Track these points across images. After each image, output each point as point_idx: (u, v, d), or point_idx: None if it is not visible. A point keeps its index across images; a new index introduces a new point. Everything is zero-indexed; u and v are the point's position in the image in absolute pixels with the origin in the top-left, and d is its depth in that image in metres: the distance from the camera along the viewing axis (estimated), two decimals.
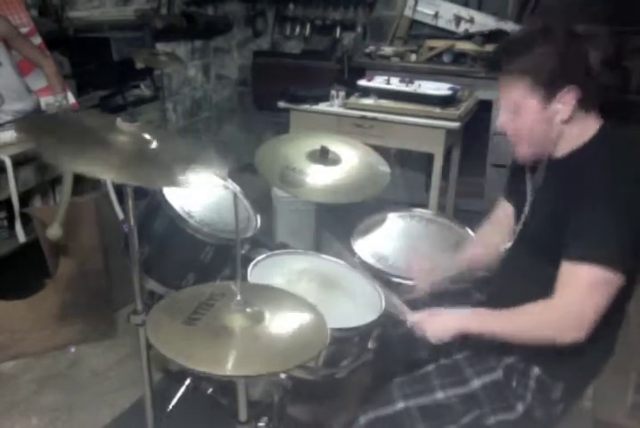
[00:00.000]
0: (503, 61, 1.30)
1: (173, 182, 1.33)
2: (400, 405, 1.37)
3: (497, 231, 1.60)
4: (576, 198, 1.25)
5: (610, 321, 1.27)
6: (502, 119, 1.35)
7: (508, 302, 1.32)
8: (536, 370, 1.36)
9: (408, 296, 1.59)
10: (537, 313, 1.29)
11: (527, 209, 1.42)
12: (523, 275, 1.41)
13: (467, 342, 1.41)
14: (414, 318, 1.44)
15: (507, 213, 1.56)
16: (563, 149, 1.33)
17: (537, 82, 1.25)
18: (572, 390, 1.39)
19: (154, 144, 1.30)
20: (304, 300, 1.20)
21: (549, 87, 1.25)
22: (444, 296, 1.62)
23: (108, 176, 1.26)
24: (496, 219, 1.64)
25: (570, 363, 1.34)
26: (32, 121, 1.33)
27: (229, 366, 1.00)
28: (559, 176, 1.34)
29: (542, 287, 1.28)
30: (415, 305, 1.52)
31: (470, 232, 1.91)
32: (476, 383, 1.38)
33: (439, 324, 1.39)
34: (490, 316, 1.35)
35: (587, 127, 1.30)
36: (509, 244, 1.48)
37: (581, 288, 1.22)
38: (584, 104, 1.27)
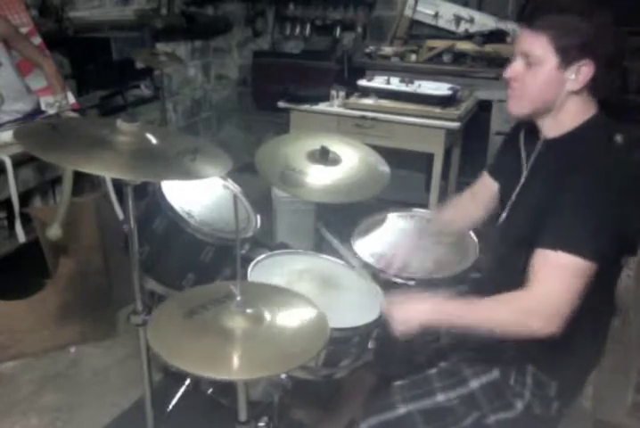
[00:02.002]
0: (540, 12, 1.26)
1: (178, 175, 1.33)
2: (402, 409, 1.37)
3: (475, 202, 1.65)
4: (560, 186, 1.24)
5: (598, 317, 1.26)
6: (514, 66, 1.31)
7: (494, 291, 1.29)
8: (531, 368, 1.36)
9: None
10: (508, 302, 1.25)
11: (515, 193, 1.40)
12: (509, 264, 1.40)
13: (463, 343, 1.41)
14: (387, 301, 1.41)
15: (489, 187, 1.59)
16: (559, 128, 1.31)
17: (564, 45, 1.23)
18: (566, 388, 1.38)
19: (155, 141, 1.30)
20: (304, 298, 1.20)
21: (571, 54, 1.23)
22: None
23: (111, 173, 1.26)
24: (476, 192, 1.69)
25: (561, 361, 1.34)
26: (30, 129, 1.33)
27: (230, 370, 1.00)
28: (549, 160, 1.33)
29: (525, 277, 1.26)
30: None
31: (470, 232, 1.91)
32: (474, 384, 1.38)
33: (407, 313, 1.34)
34: (461, 307, 1.31)
35: (586, 110, 1.30)
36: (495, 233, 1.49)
37: (553, 275, 1.20)
38: (593, 86, 1.26)
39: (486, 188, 1.62)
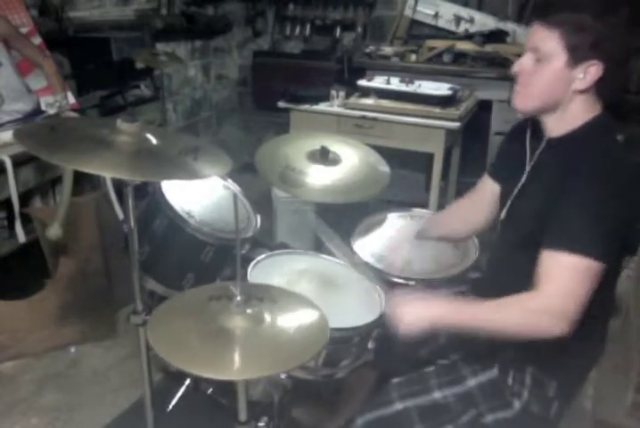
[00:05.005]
0: (555, 8, 1.24)
1: (178, 175, 1.33)
2: (398, 406, 1.37)
3: (477, 207, 1.62)
4: (564, 185, 1.23)
5: (598, 317, 1.26)
6: (523, 61, 1.30)
7: (494, 291, 1.29)
8: (530, 367, 1.36)
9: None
10: (518, 303, 1.24)
11: (516, 191, 1.41)
12: (509, 263, 1.40)
13: (462, 342, 1.41)
14: (390, 301, 1.39)
15: (491, 190, 1.56)
16: (562, 127, 1.31)
17: (575, 42, 1.22)
18: (566, 388, 1.39)
19: (155, 141, 1.30)
20: (305, 298, 1.20)
21: (580, 53, 1.23)
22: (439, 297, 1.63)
23: (111, 173, 1.26)
24: (477, 196, 1.65)
25: (561, 361, 1.34)
26: (30, 129, 1.33)
27: (230, 370, 1.00)
28: (552, 159, 1.33)
29: (528, 276, 1.25)
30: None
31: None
32: (472, 382, 1.38)
33: (413, 313, 1.31)
34: (470, 308, 1.29)
35: (590, 109, 1.29)
36: (496, 232, 1.48)
37: (562, 276, 1.20)
38: (600, 86, 1.26)
39: (487, 191, 1.60)
